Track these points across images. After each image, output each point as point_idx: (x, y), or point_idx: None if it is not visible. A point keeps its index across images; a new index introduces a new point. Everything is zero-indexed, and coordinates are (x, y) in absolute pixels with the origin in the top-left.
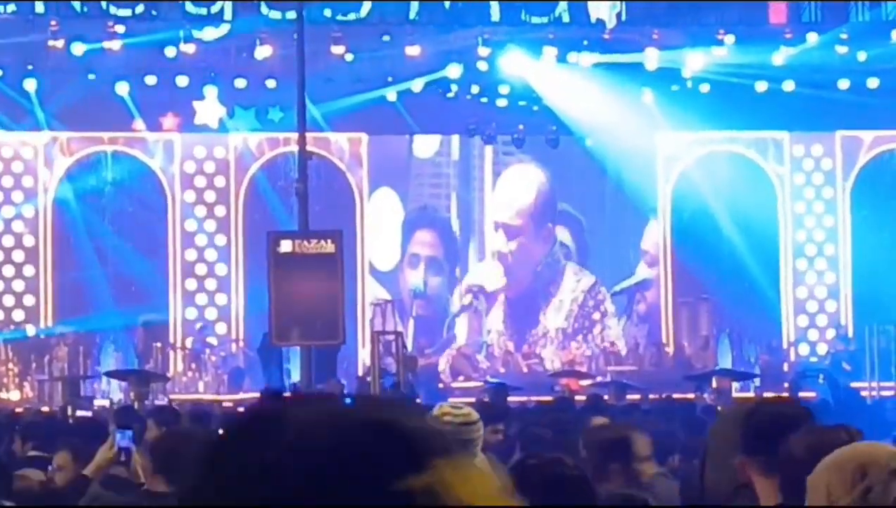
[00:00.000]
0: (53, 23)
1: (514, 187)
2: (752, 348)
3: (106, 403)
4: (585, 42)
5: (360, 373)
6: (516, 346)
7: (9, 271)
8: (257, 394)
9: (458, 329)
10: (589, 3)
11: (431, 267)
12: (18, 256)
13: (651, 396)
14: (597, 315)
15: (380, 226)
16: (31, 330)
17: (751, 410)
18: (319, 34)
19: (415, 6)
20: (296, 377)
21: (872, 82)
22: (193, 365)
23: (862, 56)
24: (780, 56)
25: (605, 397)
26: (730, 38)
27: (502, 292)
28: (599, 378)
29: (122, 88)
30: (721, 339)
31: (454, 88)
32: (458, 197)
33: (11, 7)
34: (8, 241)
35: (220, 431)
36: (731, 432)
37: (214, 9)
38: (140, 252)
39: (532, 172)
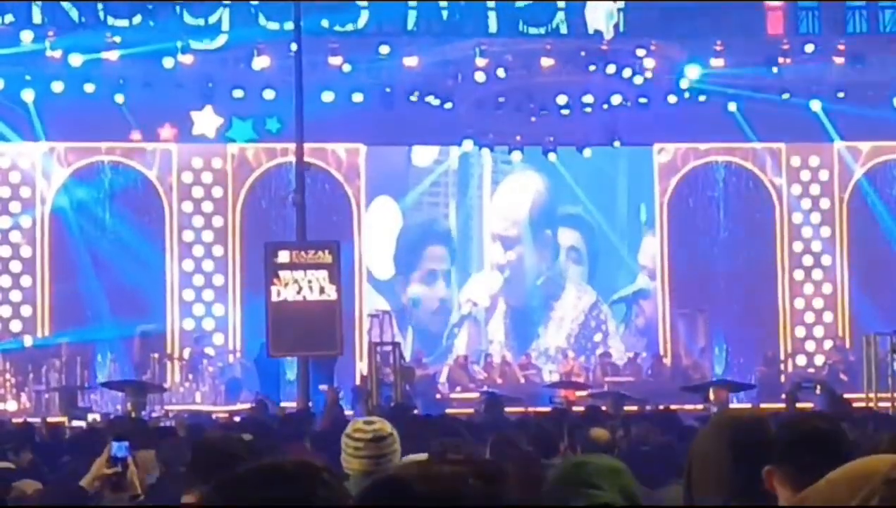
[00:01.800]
0: (51, 33)
1: (510, 198)
2: (750, 359)
3: (98, 416)
4: (583, 53)
5: (358, 383)
6: (514, 357)
7: (6, 281)
8: (250, 405)
9: (457, 339)
10: (587, 14)
11: (447, 281)
12: (16, 266)
13: (648, 407)
14: (598, 336)
15: (379, 235)
16: (28, 341)
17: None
18: (317, 45)
19: (412, 17)
20: (293, 389)
21: (869, 93)
22: (190, 376)
23: (859, 67)
24: (778, 67)
25: (603, 407)
26: (727, 49)
27: (502, 302)
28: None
29: (120, 99)
30: (718, 350)
31: (452, 98)
32: (456, 206)
33: (9, 17)
34: (5, 251)
35: None
36: (718, 444)
37: (212, 19)
38: (137, 263)
39: (529, 181)
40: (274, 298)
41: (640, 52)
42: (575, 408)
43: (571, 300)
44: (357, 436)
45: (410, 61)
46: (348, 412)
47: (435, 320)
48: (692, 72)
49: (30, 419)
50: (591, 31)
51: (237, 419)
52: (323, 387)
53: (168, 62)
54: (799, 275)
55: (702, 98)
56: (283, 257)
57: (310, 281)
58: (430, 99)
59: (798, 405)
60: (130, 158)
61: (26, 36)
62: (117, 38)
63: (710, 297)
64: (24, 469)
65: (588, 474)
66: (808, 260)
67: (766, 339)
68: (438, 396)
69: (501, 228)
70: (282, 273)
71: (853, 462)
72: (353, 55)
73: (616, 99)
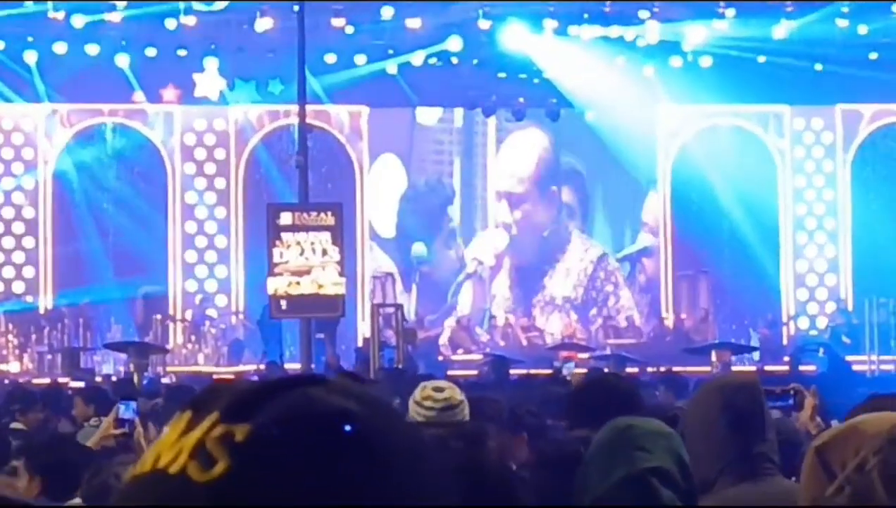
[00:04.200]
0: None
1: (516, 155)
2: (752, 321)
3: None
4: (586, 15)
5: (360, 345)
6: (517, 318)
7: (9, 242)
8: (257, 366)
9: (461, 297)
10: None
11: (451, 238)
12: (18, 227)
13: (650, 369)
14: (609, 287)
15: (383, 193)
16: (30, 300)
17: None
18: (320, 6)
19: None
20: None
21: (873, 56)
22: (193, 337)
23: (863, 29)
24: (781, 29)
25: (605, 370)
26: (731, 12)
27: (507, 259)
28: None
29: (123, 60)
30: (720, 312)
31: (454, 60)
32: (461, 164)
33: None
34: (8, 213)
35: None
36: (712, 409)
37: None
38: (140, 224)
39: (534, 137)
40: (276, 259)
41: (644, 14)
42: (576, 370)
43: (578, 253)
44: (427, 404)
45: (413, 23)
46: None
47: (440, 279)
48: (696, 34)
49: (35, 381)
50: None
51: (255, 379)
52: (319, 335)
53: (171, 23)
54: (802, 238)
55: (705, 60)
56: (286, 218)
57: (312, 243)
58: (433, 61)
59: (800, 367)
60: (133, 120)
61: None
62: (120, 0)
63: (713, 259)
64: (35, 429)
65: (636, 437)
66: (811, 223)
67: (768, 301)
68: (440, 358)
69: (507, 185)
70: (284, 235)
71: (851, 420)
72: (356, 17)
73: (619, 61)
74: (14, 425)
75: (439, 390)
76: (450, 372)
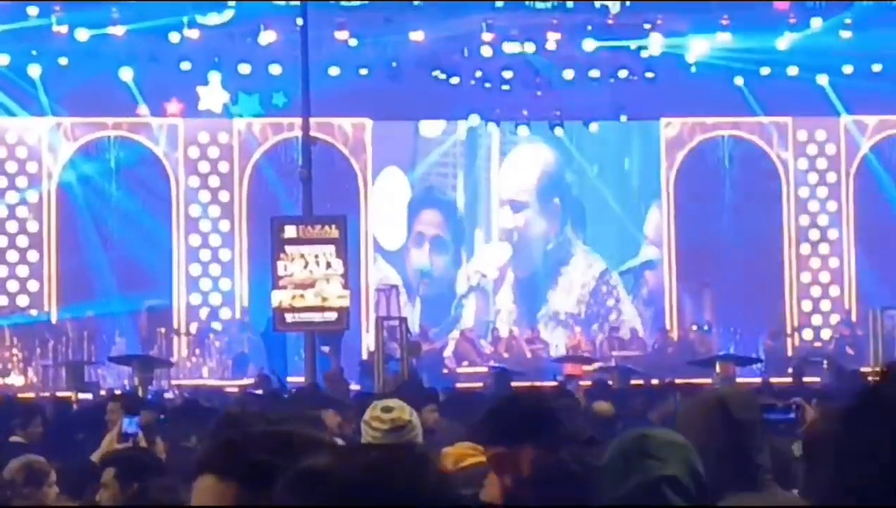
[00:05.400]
0: (57, 8)
1: (519, 164)
2: (756, 333)
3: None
4: (589, 27)
5: (364, 358)
6: (521, 331)
7: (13, 256)
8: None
9: (465, 310)
10: None
11: (439, 247)
12: (23, 241)
13: (654, 381)
14: (611, 301)
15: (387, 205)
16: (34, 314)
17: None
18: (323, 19)
19: None
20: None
21: (876, 67)
22: (197, 350)
23: (866, 40)
24: (784, 41)
25: (610, 382)
26: (733, 24)
27: (510, 272)
28: (600, 364)
29: (126, 74)
30: (724, 324)
31: (458, 73)
32: (465, 176)
33: None
34: (12, 226)
35: None
36: (696, 421)
37: None
38: (144, 237)
39: (538, 150)
40: (280, 272)
41: (647, 27)
42: (581, 383)
43: (581, 268)
44: (375, 425)
45: (417, 36)
46: (354, 387)
47: (443, 291)
48: (699, 46)
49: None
50: (597, 5)
51: (259, 391)
52: (325, 348)
53: (174, 37)
54: (805, 249)
55: (708, 72)
56: (290, 231)
57: (316, 256)
58: (437, 74)
59: (805, 379)
60: (137, 133)
61: (33, 11)
62: (124, 13)
63: (716, 271)
64: (34, 443)
65: (650, 446)
66: (814, 234)
67: (772, 313)
68: (445, 370)
69: (510, 194)
70: (288, 248)
71: None
72: (360, 29)
73: (623, 73)
74: (13, 438)
75: (387, 410)
76: (455, 385)
